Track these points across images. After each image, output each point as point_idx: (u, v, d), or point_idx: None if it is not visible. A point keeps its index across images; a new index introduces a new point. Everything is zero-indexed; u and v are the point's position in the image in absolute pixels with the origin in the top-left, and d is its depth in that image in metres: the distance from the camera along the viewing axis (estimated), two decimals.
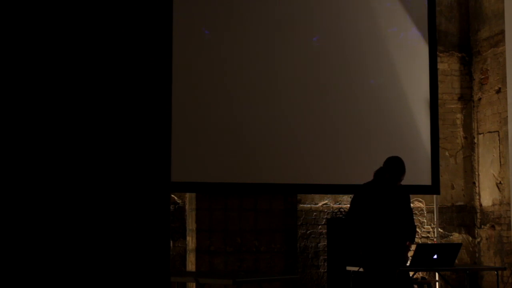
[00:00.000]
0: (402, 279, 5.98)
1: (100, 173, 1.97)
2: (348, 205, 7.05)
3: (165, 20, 2.09)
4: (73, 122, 1.95)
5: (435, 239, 9.12)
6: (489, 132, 9.14)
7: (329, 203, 8.95)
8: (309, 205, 8.89)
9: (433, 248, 6.97)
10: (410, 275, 6.36)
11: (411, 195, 8.50)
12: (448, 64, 9.47)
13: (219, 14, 7.65)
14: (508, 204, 8.67)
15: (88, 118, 1.97)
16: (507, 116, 8.38)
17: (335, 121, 7.88)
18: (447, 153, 9.35)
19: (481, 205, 9.28)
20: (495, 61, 9.08)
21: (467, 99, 9.50)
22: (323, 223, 8.83)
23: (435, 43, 8.45)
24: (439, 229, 9.20)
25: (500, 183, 8.92)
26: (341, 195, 8.79)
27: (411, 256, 6.29)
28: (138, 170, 2.01)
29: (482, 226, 9.24)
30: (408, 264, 6.22)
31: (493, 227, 9.05)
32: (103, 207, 1.96)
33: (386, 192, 5.92)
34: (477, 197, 9.34)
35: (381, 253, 5.87)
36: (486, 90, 9.24)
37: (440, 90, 8.77)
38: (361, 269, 6.16)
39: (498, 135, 8.97)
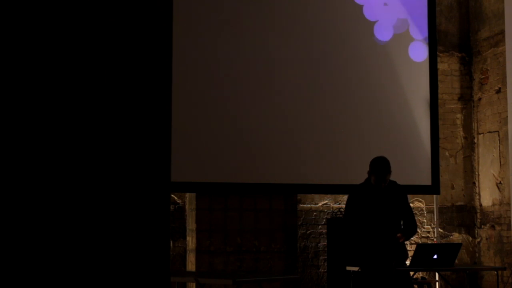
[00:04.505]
0: (402, 279, 5.97)
1: (100, 173, 1.97)
2: None
3: (165, 20, 2.09)
4: (73, 122, 1.95)
5: (435, 239, 9.12)
6: (489, 132, 9.14)
7: (329, 203, 8.94)
8: (309, 205, 8.89)
9: (433, 248, 6.96)
10: (410, 275, 6.35)
11: (411, 195, 8.54)
12: (448, 64, 9.47)
13: (219, 14, 7.65)
14: (508, 204, 8.67)
15: (88, 118, 1.97)
16: (507, 116, 8.38)
17: (335, 121, 7.88)
18: (447, 153, 9.35)
19: (481, 205, 9.28)
20: (495, 61, 9.08)
21: (467, 99, 9.50)
22: (323, 223, 8.83)
23: (435, 43, 8.45)
24: (439, 229, 9.20)
25: (500, 183, 8.91)
26: (341, 195, 8.79)
27: (411, 256, 6.29)
28: (138, 170, 2.01)
29: (482, 226, 9.24)
30: (408, 263, 6.22)
31: (493, 227, 9.04)
32: (103, 207, 1.96)
33: (379, 192, 5.90)
34: (477, 197, 9.34)
35: (376, 252, 5.86)
36: (486, 90, 9.24)
37: (440, 90, 8.76)
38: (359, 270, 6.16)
39: (498, 135, 8.97)
